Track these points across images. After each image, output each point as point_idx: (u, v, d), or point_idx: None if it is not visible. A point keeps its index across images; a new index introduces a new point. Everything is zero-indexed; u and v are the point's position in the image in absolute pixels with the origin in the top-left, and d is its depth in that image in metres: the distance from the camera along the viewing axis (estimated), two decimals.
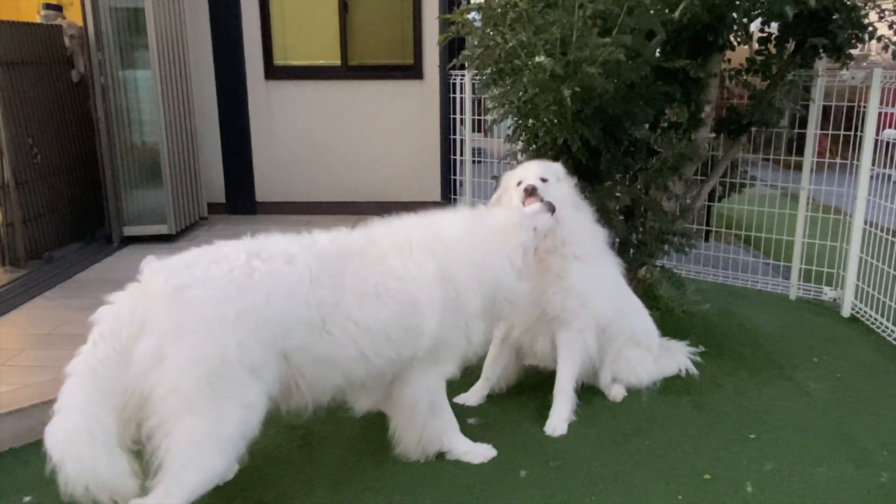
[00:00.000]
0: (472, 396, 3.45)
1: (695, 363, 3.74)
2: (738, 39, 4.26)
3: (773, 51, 4.34)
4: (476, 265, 2.68)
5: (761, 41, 4.36)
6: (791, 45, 4.31)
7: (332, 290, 2.43)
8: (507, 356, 3.49)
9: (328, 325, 2.41)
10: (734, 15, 3.96)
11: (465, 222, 2.79)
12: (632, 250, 4.28)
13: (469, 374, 3.53)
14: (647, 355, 3.57)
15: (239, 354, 2.21)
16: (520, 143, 4.21)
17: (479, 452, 2.92)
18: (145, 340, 2.17)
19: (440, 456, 2.89)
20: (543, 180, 3.18)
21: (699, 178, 4.73)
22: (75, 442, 2.08)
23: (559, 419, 3.19)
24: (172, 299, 2.19)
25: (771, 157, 4.93)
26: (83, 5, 5.34)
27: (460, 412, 3.20)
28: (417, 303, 2.57)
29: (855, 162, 4.48)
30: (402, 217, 2.78)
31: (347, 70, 6.75)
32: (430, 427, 2.82)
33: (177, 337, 2.16)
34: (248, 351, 2.24)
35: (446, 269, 2.63)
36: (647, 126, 4.05)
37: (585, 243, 3.26)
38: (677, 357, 3.74)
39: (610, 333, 3.43)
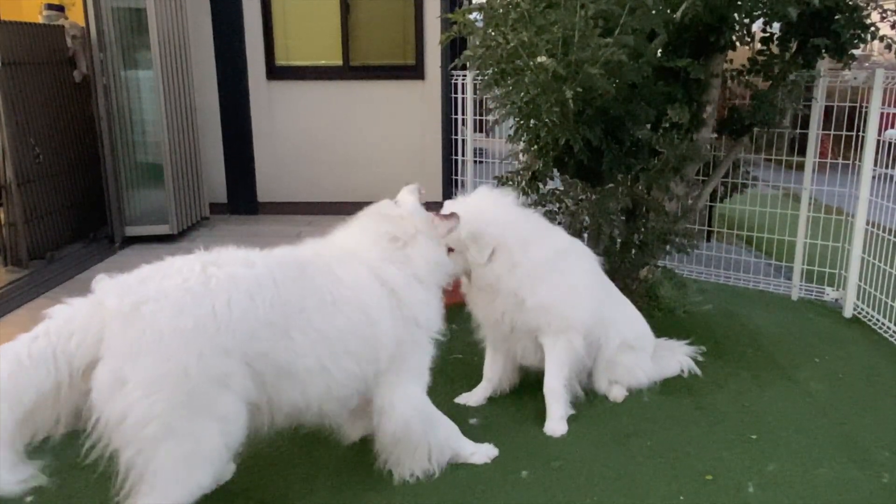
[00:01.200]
0: (474, 397, 3.45)
1: (696, 363, 3.74)
2: (740, 40, 4.25)
3: (775, 51, 4.34)
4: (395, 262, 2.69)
5: (763, 41, 4.36)
6: (793, 46, 4.30)
7: (295, 293, 2.39)
8: (503, 358, 3.49)
9: (291, 330, 2.35)
10: (736, 15, 3.96)
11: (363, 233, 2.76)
12: (633, 251, 4.27)
13: (471, 376, 3.55)
14: (644, 356, 3.57)
15: (200, 367, 2.14)
16: (521, 143, 4.21)
17: (483, 452, 2.92)
18: (104, 365, 2.10)
19: None
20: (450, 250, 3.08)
21: (701, 178, 4.73)
22: None
23: (556, 419, 3.19)
24: (127, 318, 2.12)
25: (773, 157, 4.93)
26: (85, 6, 5.35)
27: (462, 413, 3.21)
28: (369, 310, 2.54)
29: (857, 162, 4.48)
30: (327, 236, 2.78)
31: (349, 70, 6.76)
32: (435, 441, 2.77)
33: (135, 358, 2.09)
34: (210, 362, 2.17)
35: (377, 272, 2.62)
36: (648, 126, 4.05)
37: (531, 259, 3.16)
38: (678, 356, 3.74)
39: (596, 340, 3.41)
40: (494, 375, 3.49)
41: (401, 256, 2.69)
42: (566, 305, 3.23)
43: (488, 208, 3.22)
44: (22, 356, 2.08)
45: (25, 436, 2.13)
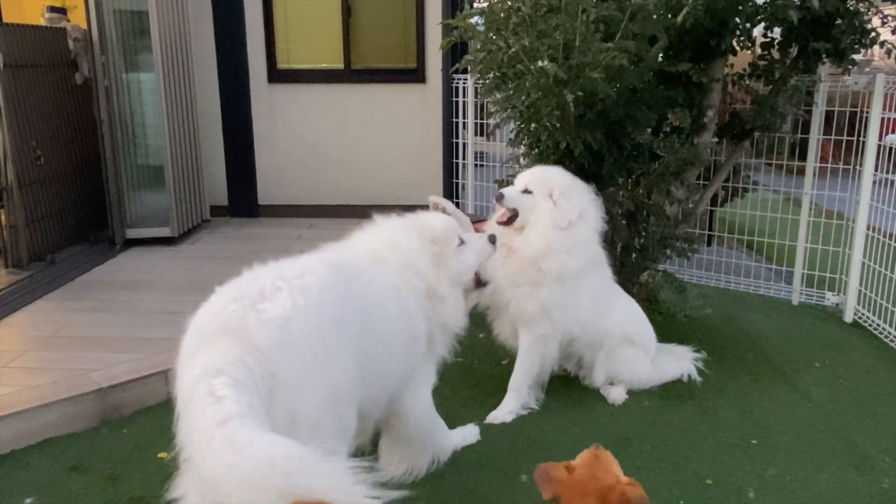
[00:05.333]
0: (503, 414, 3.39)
1: (697, 368, 3.73)
2: (741, 44, 4.26)
3: (776, 56, 4.35)
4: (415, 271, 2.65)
5: (764, 46, 4.36)
6: (794, 51, 4.31)
7: (359, 299, 2.36)
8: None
9: (368, 332, 2.34)
10: (737, 20, 3.96)
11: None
12: (634, 255, 4.27)
13: (472, 380, 3.53)
14: (643, 354, 3.58)
15: (345, 381, 2.12)
16: (522, 147, 4.22)
17: (472, 433, 3.06)
18: (280, 404, 1.92)
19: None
20: (527, 191, 3.26)
21: (702, 182, 4.73)
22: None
23: (505, 411, 3.32)
24: (288, 344, 1.97)
25: (773, 161, 4.93)
26: (87, 8, 5.35)
27: (461, 419, 3.21)
28: (409, 310, 2.56)
29: (858, 167, 4.48)
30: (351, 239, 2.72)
31: (350, 74, 6.76)
32: (438, 441, 2.85)
33: (302, 388, 1.97)
34: (348, 374, 2.14)
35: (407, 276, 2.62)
36: (649, 131, 4.05)
37: (570, 264, 3.23)
38: (682, 362, 3.73)
39: (596, 341, 3.49)
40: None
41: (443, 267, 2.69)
42: (566, 313, 3.33)
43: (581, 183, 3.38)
44: (250, 404, 1.80)
45: None
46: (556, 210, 3.20)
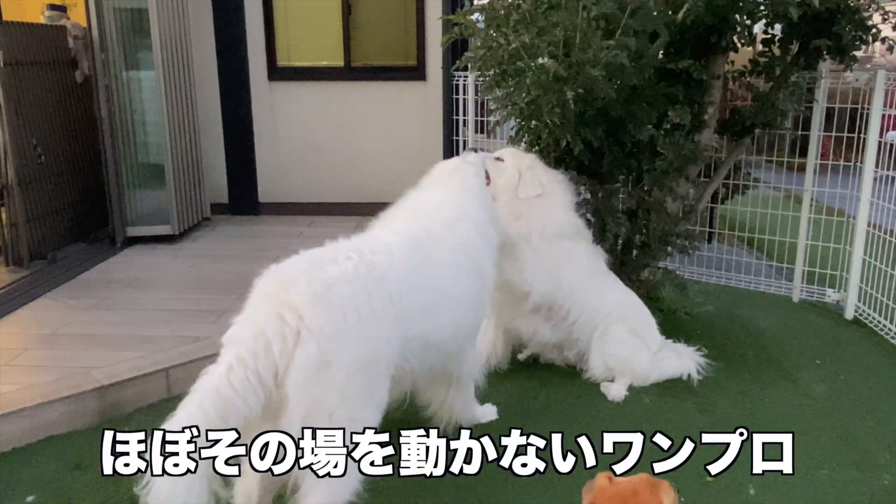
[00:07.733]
0: None
1: (697, 369, 3.70)
2: (742, 41, 4.25)
3: (777, 52, 4.34)
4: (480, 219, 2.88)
5: (765, 43, 4.36)
6: (794, 47, 4.30)
7: (430, 273, 2.50)
8: (493, 328, 3.66)
9: (436, 307, 2.47)
10: (737, 16, 3.96)
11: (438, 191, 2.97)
12: (635, 252, 4.27)
13: None
14: (642, 344, 3.57)
15: (386, 351, 2.20)
16: (523, 144, 4.21)
17: (490, 412, 3.17)
18: (306, 349, 2.01)
19: None
20: (499, 159, 3.58)
21: (702, 179, 4.73)
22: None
23: None
24: (324, 300, 2.07)
25: (774, 158, 4.93)
26: (87, 6, 5.35)
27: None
28: (480, 265, 2.73)
29: (858, 164, 4.48)
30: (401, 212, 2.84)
31: (350, 71, 6.76)
32: (468, 395, 2.98)
33: (338, 339, 2.06)
34: (392, 346, 2.24)
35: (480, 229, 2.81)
36: (650, 127, 4.05)
37: (548, 229, 3.45)
38: (684, 361, 3.70)
39: (584, 315, 3.54)
40: (483, 348, 3.60)
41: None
42: (540, 273, 3.45)
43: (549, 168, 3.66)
44: (225, 393, 1.94)
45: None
46: (521, 183, 3.47)
